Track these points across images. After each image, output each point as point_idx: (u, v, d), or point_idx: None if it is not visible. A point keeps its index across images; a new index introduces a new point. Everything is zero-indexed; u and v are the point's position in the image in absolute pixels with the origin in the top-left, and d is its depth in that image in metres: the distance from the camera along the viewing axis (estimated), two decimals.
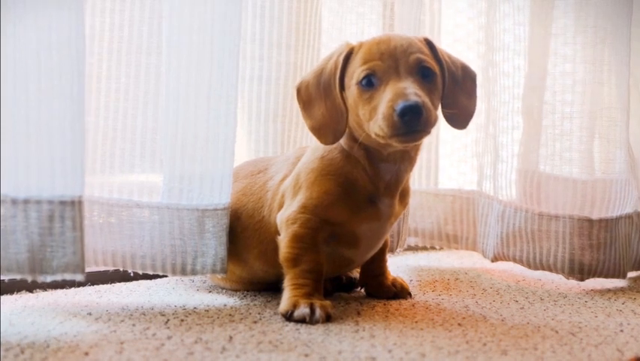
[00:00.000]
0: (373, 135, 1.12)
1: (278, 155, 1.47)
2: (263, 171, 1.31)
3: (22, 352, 0.94)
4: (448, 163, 1.80)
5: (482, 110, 1.64)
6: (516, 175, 1.56)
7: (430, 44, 1.19)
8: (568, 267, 1.48)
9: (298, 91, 1.22)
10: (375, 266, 1.33)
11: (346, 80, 1.17)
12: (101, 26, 1.24)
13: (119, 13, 1.25)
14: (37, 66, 1.05)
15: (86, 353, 0.94)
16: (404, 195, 1.27)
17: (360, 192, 1.19)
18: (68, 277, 1.07)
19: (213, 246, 1.24)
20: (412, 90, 1.09)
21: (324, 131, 1.18)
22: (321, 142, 1.19)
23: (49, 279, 1.06)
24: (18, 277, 1.07)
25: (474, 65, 1.66)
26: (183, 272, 1.24)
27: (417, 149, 1.22)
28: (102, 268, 1.35)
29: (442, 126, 1.76)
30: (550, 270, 1.51)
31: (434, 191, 1.74)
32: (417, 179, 1.73)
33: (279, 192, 1.24)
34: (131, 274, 1.33)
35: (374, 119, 1.11)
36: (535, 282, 1.52)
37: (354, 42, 1.20)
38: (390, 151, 1.18)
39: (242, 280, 1.34)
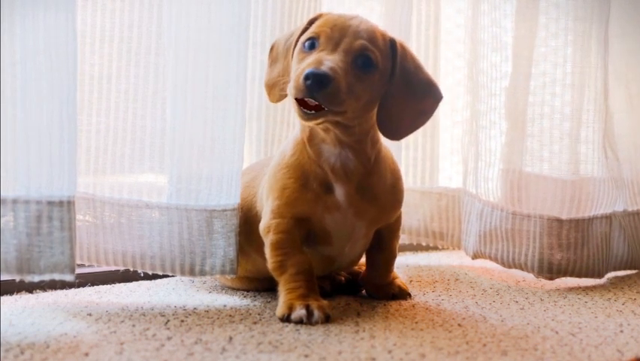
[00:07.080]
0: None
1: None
2: (265, 166, 1.31)
3: (22, 352, 0.94)
4: (448, 164, 1.80)
5: (469, 112, 1.64)
6: (498, 175, 1.56)
7: (392, 45, 1.17)
8: (537, 266, 1.49)
9: (271, 49, 1.24)
10: (379, 275, 1.32)
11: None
12: (111, 27, 1.25)
13: (129, 13, 1.25)
14: (24, 67, 1.05)
15: (86, 354, 0.94)
16: (376, 196, 1.21)
17: (312, 179, 1.18)
18: (57, 277, 1.07)
19: (222, 247, 1.24)
20: (330, 63, 1.07)
21: (273, 88, 1.21)
22: (269, 99, 1.23)
23: (37, 279, 1.06)
24: (6, 276, 1.07)
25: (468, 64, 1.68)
26: (192, 273, 1.25)
27: (355, 137, 1.17)
28: (107, 268, 1.35)
29: (441, 127, 1.77)
30: (522, 268, 1.52)
31: (420, 189, 1.74)
32: (404, 178, 1.72)
33: (264, 191, 1.24)
34: (138, 274, 1.33)
35: None
36: (536, 283, 1.52)
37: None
38: (323, 129, 1.16)
39: (248, 275, 1.33)
